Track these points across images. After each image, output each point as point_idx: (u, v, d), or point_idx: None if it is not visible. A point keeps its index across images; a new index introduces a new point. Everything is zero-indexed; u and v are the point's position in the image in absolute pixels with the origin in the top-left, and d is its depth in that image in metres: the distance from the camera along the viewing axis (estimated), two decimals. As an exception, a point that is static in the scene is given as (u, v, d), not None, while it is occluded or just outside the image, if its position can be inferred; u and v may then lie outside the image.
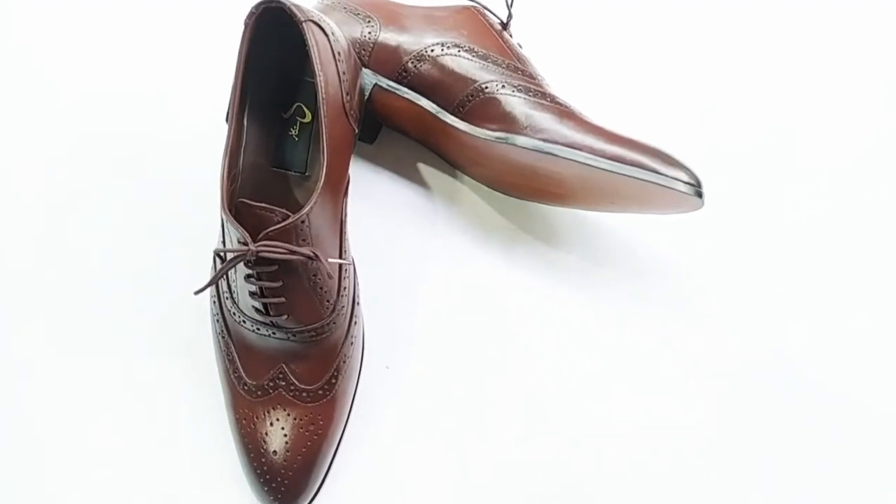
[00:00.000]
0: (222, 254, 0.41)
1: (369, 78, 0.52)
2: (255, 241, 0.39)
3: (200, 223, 0.51)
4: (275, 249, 0.39)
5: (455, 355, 0.51)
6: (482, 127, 0.49)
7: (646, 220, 0.57)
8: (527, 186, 0.53)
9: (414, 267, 0.55)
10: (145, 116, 0.60)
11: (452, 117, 0.50)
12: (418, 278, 0.54)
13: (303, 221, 0.40)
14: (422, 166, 0.59)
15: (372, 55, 0.52)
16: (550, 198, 0.54)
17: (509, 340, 0.52)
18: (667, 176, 0.46)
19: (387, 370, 0.51)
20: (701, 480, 0.47)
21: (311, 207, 0.40)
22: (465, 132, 0.49)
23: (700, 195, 0.46)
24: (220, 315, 0.46)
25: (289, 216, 0.40)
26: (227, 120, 0.45)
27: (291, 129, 0.48)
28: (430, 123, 0.52)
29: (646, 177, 0.46)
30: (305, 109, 0.49)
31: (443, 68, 0.51)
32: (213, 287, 0.47)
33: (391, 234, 0.55)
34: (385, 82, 0.52)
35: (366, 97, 0.52)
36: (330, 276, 0.41)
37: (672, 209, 0.49)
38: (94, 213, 0.55)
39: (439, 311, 0.53)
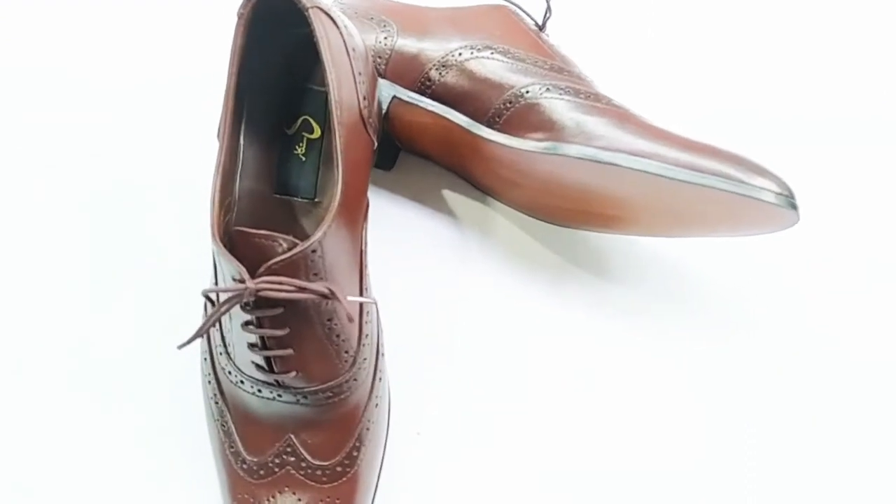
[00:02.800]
0: (213, 295, 0.33)
1: (387, 90, 0.44)
2: (254, 276, 0.31)
3: (187, 260, 0.42)
4: (279, 287, 0.30)
5: (499, 416, 0.42)
6: (524, 138, 0.41)
7: (710, 249, 0.49)
8: (575, 210, 0.45)
9: (445, 310, 0.46)
10: (114, 133, 0.52)
11: (487, 129, 0.42)
12: (451, 324, 0.45)
13: (314, 251, 0.31)
14: (448, 193, 0.51)
15: (389, 64, 0.45)
16: (603, 221, 0.46)
17: (562, 394, 0.43)
18: (753, 186, 0.38)
19: (418, 437, 0.41)
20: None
21: (325, 233, 0.32)
22: (503, 145, 0.41)
23: (794, 206, 0.38)
24: (212, 375, 0.37)
25: (296, 244, 0.31)
26: (218, 136, 0.37)
27: (297, 148, 0.40)
28: (460, 140, 0.44)
29: (727, 187, 0.37)
30: (313, 123, 0.41)
31: (472, 74, 0.43)
32: (204, 340, 0.38)
33: (416, 272, 0.47)
34: (406, 94, 0.44)
35: (383, 112, 0.44)
36: (350, 320, 0.32)
37: (757, 228, 0.41)
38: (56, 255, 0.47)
39: (478, 363, 0.44)
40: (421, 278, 0.47)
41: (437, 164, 0.50)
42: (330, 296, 0.31)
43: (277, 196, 0.40)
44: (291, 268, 0.31)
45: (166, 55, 0.56)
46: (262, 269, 0.31)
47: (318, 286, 0.31)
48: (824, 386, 0.44)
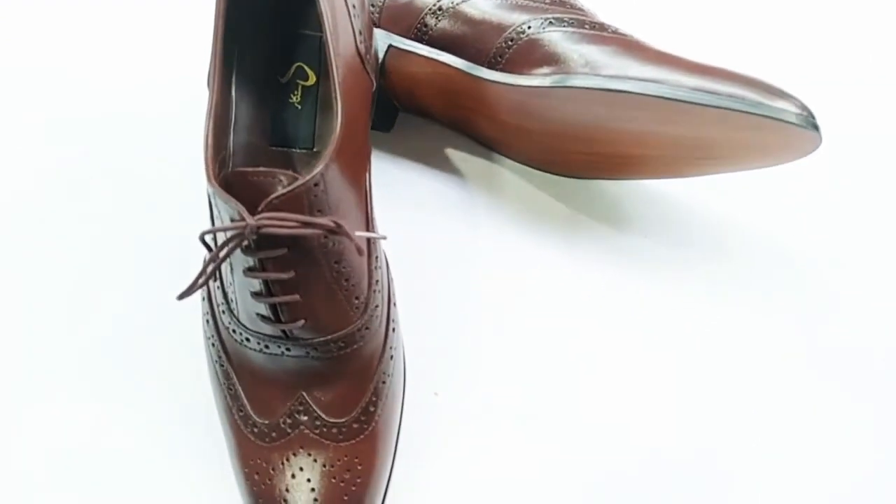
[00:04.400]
0: (212, 242, 0.31)
1: (383, 39, 0.43)
2: (254, 215, 0.29)
3: (180, 226, 0.40)
4: (282, 222, 0.28)
5: (519, 373, 0.40)
6: (529, 75, 0.39)
7: (733, 192, 0.47)
8: (585, 154, 0.43)
9: (456, 270, 0.44)
10: (113, 131, 0.50)
11: (489, 71, 0.41)
12: (463, 283, 0.43)
13: (316, 184, 0.29)
14: (451, 152, 0.49)
15: (383, 13, 0.43)
16: (614, 166, 0.44)
17: (583, 348, 0.41)
18: (773, 106, 0.36)
19: (436, 397, 0.39)
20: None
21: (327, 165, 0.30)
22: (507, 85, 0.40)
23: (816, 127, 0.36)
24: (215, 336, 0.35)
25: (297, 179, 0.29)
26: (208, 84, 0.35)
27: (292, 96, 0.39)
28: (462, 88, 0.42)
29: (746, 108, 0.36)
30: (308, 70, 0.39)
31: (469, 16, 0.41)
32: (205, 301, 0.36)
33: (424, 233, 0.45)
34: (402, 42, 0.43)
35: (379, 63, 0.43)
36: (360, 253, 0.30)
37: (776, 156, 0.39)
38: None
39: (493, 320, 0.42)
40: (429, 239, 0.45)
41: (438, 123, 0.49)
42: (337, 230, 0.29)
43: (274, 148, 0.38)
44: (294, 203, 0.29)
45: (166, 55, 0.54)
46: (262, 206, 0.29)
47: (323, 220, 0.29)
48: (851, 336, 0.42)
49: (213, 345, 0.36)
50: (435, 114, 0.47)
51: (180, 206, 0.44)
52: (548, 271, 0.44)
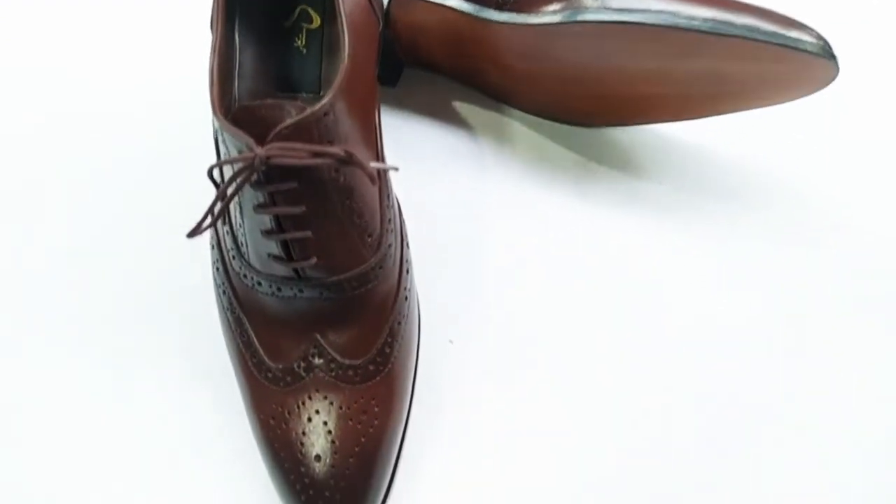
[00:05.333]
0: (220, 171, 0.30)
1: (387, -14, 0.42)
2: (263, 146, 0.28)
3: (186, 184, 0.40)
4: (292, 152, 0.28)
5: (534, 320, 0.39)
6: (538, 13, 0.38)
7: (748, 137, 0.46)
8: (597, 97, 0.42)
9: (467, 221, 0.43)
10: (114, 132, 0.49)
11: (497, 13, 0.40)
12: (475, 234, 0.43)
13: (326, 114, 0.29)
14: (459, 105, 0.48)
15: (386, -41, 0.42)
16: (629, 110, 0.43)
17: (597, 295, 0.40)
18: (789, 36, 0.35)
19: (451, 345, 0.39)
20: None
21: (336, 95, 0.29)
22: (516, 25, 0.39)
23: (832, 56, 0.35)
24: (226, 284, 0.35)
25: (305, 109, 0.29)
26: (211, 27, 0.34)
27: (297, 40, 0.38)
28: (469, 34, 0.42)
29: (761, 37, 0.35)
30: (312, 13, 0.38)
31: (476, -41, 0.41)
32: (215, 248, 0.36)
33: (434, 187, 0.44)
34: (406, -13, 0.42)
35: (384, 8, 0.42)
36: (373, 181, 0.30)
37: (793, 89, 0.38)
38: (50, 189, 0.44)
39: (507, 270, 0.41)
40: (439, 191, 0.44)
41: (444, 76, 0.48)
42: (348, 159, 0.28)
43: (280, 94, 0.38)
44: (303, 133, 0.28)
45: (166, 54, 0.53)
46: (271, 136, 0.28)
47: (334, 149, 0.28)
48: (870, 275, 0.41)
49: (223, 293, 0.35)
50: (441, 65, 0.46)
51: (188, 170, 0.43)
52: (561, 220, 0.43)
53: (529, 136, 0.47)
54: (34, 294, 0.39)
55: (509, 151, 0.46)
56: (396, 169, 0.29)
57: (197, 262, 0.38)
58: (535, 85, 0.43)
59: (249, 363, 0.34)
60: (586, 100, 0.43)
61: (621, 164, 0.45)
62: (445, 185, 0.44)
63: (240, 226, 0.32)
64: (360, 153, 0.31)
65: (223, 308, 0.35)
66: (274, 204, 0.29)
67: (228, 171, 0.29)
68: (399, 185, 0.40)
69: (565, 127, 0.47)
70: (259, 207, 0.30)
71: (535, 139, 0.47)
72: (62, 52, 0.52)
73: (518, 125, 0.47)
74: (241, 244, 0.33)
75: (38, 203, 0.43)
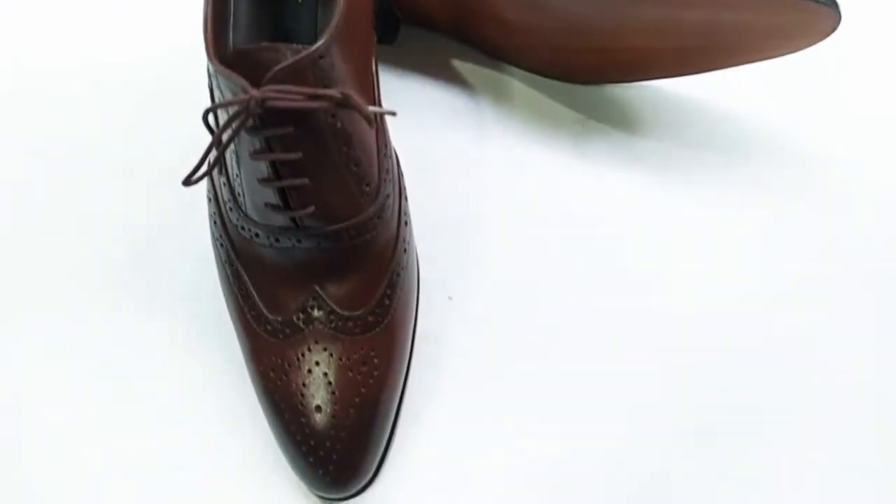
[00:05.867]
0: (214, 115, 0.29)
1: (383, -61, 0.41)
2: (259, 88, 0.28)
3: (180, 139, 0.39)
4: (288, 95, 0.27)
5: (533, 277, 0.39)
6: (537, -37, 0.38)
7: (747, 94, 0.46)
8: (597, 53, 0.42)
9: (466, 179, 0.43)
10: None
11: (495, -36, 0.39)
12: (473, 191, 0.42)
13: (321, 56, 0.28)
14: (458, 63, 0.48)
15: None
16: (628, 65, 0.42)
17: (597, 252, 0.40)
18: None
19: (450, 301, 0.38)
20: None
21: (332, 36, 0.28)
22: (515, -24, 0.38)
23: (834, 4, 0.35)
24: (223, 236, 0.34)
25: (300, 50, 0.28)
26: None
27: (292, -9, 0.37)
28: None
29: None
30: (307, -37, 0.37)
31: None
32: (212, 201, 0.35)
33: (432, 145, 0.44)
34: (403, -60, 0.41)
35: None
36: (371, 124, 0.29)
37: (795, 39, 0.38)
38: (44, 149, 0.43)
39: (506, 227, 0.41)
40: (439, 149, 0.44)
41: (442, 34, 0.47)
42: (345, 102, 0.28)
43: (276, 45, 0.37)
44: (299, 75, 0.28)
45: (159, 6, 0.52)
46: (267, 77, 0.27)
47: (331, 91, 0.28)
48: (869, 234, 0.41)
49: (221, 245, 0.35)
50: (439, 22, 0.46)
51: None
52: (560, 177, 0.43)
53: (528, 93, 0.46)
54: (29, 253, 0.39)
55: (508, 109, 0.46)
56: (394, 113, 0.29)
57: (194, 216, 0.38)
58: (535, 40, 0.43)
59: (248, 316, 0.33)
60: (586, 55, 0.42)
61: (620, 121, 0.45)
62: (444, 143, 0.44)
63: (236, 176, 0.32)
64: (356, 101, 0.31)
65: (221, 261, 0.35)
66: (270, 150, 0.29)
67: (224, 118, 0.29)
68: (398, 144, 0.39)
69: (564, 85, 0.46)
70: (255, 154, 0.29)
71: (534, 97, 0.46)
72: None
73: (517, 83, 0.47)
74: (239, 195, 0.33)
75: (30, 157, 0.43)
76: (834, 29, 0.36)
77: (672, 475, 0.33)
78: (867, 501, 0.33)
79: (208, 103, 0.33)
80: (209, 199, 0.36)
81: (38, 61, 0.47)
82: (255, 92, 0.27)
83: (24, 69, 0.47)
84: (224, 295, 0.35)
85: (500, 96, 0.46)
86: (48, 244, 0.39)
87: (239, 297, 0.34)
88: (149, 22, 0.49)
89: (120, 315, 0.37)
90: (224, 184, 0.33)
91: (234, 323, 0.34)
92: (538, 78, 0.46)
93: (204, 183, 0.37)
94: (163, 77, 0.45)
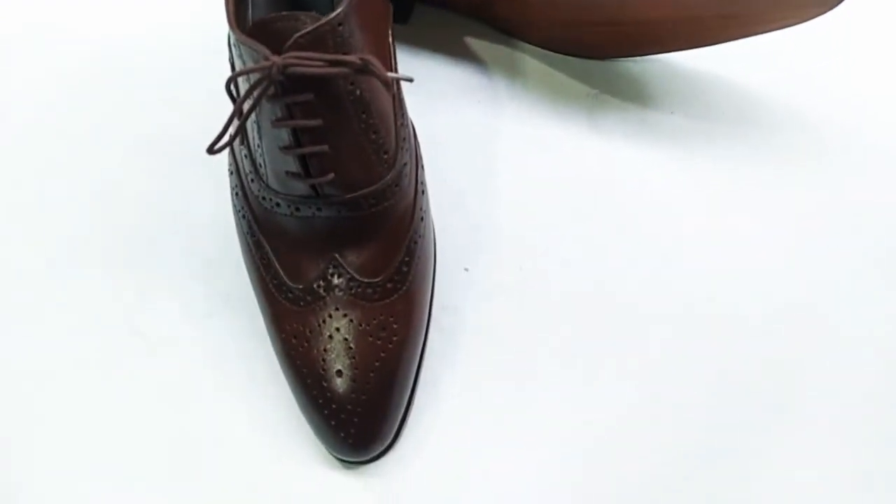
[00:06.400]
0: (236, 84, 0.30)
1: (396, -84, 0.42)
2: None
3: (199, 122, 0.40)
4: (308, 61, 0.28)
5: (549, 248, 0.40)
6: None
7: (755, 66, 0.46)
8: (611, 26, 0.42)
9: (482, 153, 0.43)
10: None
11: (508, -62, 0.40)
12: (489, 165, 0.43)
13: (340, 24, 0.29)
14: (471, 41, 0.48)
15: None
16: (640, 38, 0.43)
17: (611, 223, 0.40)
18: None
19: (466, 272, 0.39)
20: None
21: (349, 4, 0.29)
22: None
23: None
24: (245, 207, 0.35)
25: (320, 18, 0.29)
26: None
27: (309, -34, 0.38)
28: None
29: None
30: (324, -62, 0.38)
31: None
32: (233, 174, 0.36)
33: (448, 121, 0.44)
34: (417, -83, 0.42)
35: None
36: (389, 88, 0.30)
37: (802, 9, 0.38)
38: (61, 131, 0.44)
39: (520, 199, 0.41)
40: (454, 125, 0.44)
41: (455, 12, 0.48)
42: (364, 67, 0.28)
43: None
44: (319, 43, 0.28)
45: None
46: (287, 45, 0.28)
47: (351, 57, 0.28)
48: (877, 203, 0.41)
49: (243, 217, 0.35)
50: (452, 1, 0.46)
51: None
52: (573, 150, 0.43)
53: (541, 69, 0.47)
54: (54, 225, 0.40)
55: (521, 85, 0.46)
56: (411, 79, 0.30)
57: (216, 189, 0.39)
58: (548, 15, 0.43)
59: (270, 285, 0.34)
60: (598, 28, 0.43)
61: (632, 94, 0.45)
62: (459, 118, 0.45)
63: (258, 146, 0.33)
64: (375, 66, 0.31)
65: (243, 232, 0.36)
66: (291, 117, 0.30)
67: (245, 88, 0.29)
68: (414, 119, 0.40)
69: (576, 60, 0.47)
70: (277, 121, 0.30)
71: (547, 72, 0.47)
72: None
73: (529, 59, 0.47)
74: (260, 165, 0.33)
75: (51, 129, 0.44)
76: (840, 1, 0.37)
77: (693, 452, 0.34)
78: (864, 498, 0.33)
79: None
80: (230, 172, 0.36)
81: (59, 34, 0.48)
82: (276, 59, 0.28)
83: (46, 42, 0.48)
84: (246, 265, 0.36)
85: (513, 72, 0.47)
86: (70, 219, 0.40)
87: (261, 266, 0.35)
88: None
89: (145, 288, 0.38)
90: (245, 156, 0.34)
91: (256, 292, 0.35)
92: (550, 54, 0.47)
93: (225, 157, 0.38)
94: (183, 50, 0.46)
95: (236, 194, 0.36)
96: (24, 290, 0.38)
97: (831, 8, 0.38)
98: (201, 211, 0.39)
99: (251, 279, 0.36)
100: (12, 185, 0.42)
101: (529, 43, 0.47)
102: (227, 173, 0.37)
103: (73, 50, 0.47)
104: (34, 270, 0.39)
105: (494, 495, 0.33)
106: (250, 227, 0.35)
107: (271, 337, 0.34)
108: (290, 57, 0.28)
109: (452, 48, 0.48)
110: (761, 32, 0.40)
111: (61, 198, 0.41)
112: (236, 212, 0.36)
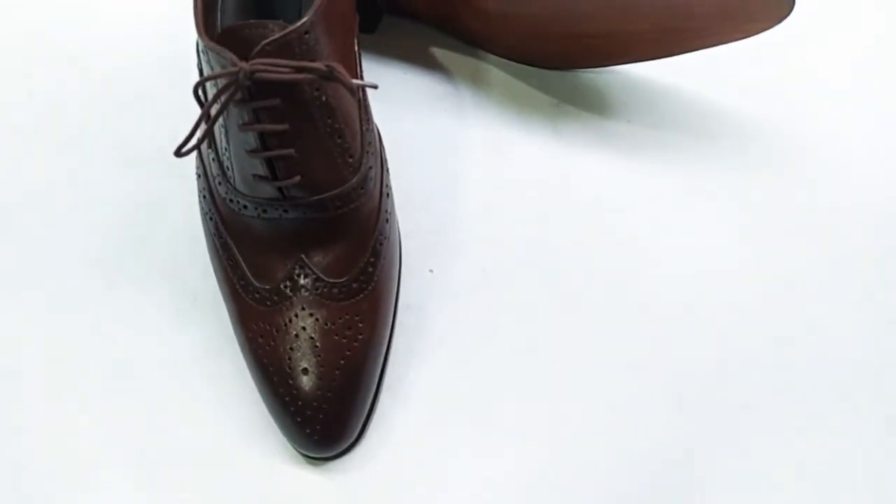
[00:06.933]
0: (203, 89, 0.31)
1: (364, -70, 0.43)
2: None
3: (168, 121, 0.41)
4: (275, 67, 0.29)
5: (511, 251, 0.41)
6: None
7: (711, 78, 0.48)
8: (571, 38, 0.44)
9: (445, 159, 0.45)
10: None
11: (472, -47, 0.41)
12: (454, 171, 0.44)
13: (307, 32, 0.30)
14: (437, 51, 0.49)
15: None
16: (600, 51, 0.44)
17: (571, 227, 0.42)
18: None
19: (431, 274, 0.40)
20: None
21: (317, 12, 0.30)
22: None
23: (790, -11, 0.37)
24: (212, 209, 0.36)
25: (287, 27, 0.30)
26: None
27: (277, -24, 0.39)
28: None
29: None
30: (292, -51, 0.39)
31: None
32: (201, 177, 0.37)
33: (413, 128, 0.46)
34: (384, -69, 0.43)
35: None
36: (353, 94, 0.31)
37: (754, 23, 0.40)
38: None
39: (484, 204, 0.43)
40: (420, 132, 0.45)
41: (422, 23, 0.49)
42: (329, 74, 0.29)
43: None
44: (285, 50, 0.29)
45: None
46: (255, 51, 0.29)
47: (317, 64, 0.29)
48: (836, 208, 0.43)
49: (210, 219, 0.36)
50: (419, 11, 0.48)
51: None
52: (536, 157, 0.45)
53: (505, 79, 0.48)
54: (25, 225, 0.40)
55: (486, 94, 0.48)
56: (375, 86, 0.31)
57: (183, 192, 0.39)
58: (510, 28, 0.45)
59: (237, 285, 0.35)
60: (558, 41, 0.44)
61: (593, 104, 0.47)
62: (425, 125, 0.46)
63: (225, 150, 0.34)
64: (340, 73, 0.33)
65: (210, 234, 0.36)
66: (258, 121, 0.31)
67: (213, 92, 0.30)
68: (381, 127, 0.41)
69: (539, 70, 0.48)
70: (244, 126, 0.31)
71: (511, 82, 0.48)
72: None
73: (494, 69, 0.49)
74: (227, 168, 0.34)
75: (19, 133, 0.44)
76: (788, 13, 0.39)
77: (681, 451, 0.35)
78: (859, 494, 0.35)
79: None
80: (198, 175, 0.37)
81: (28, 38, 0.49)
82: (244, 65, 0.29)
83: (13, 45, 0.48)
84: (213, 267, 0.37)
85: (478, 81, 0.48)
86: (40, 221, 0.41)
87: (228, 267, 0.35)
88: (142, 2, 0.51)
89: (113, 289, 0.38)
90: (213, 159, 0.35)
91: (223, 292, 0.36)
92: (514, 64, 0.48)
93: (192, 160, 0.38)
94: (149, 56, 0.47)
95: (203, 197, 0.37)
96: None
97: (778, 23, 0.40)
98: (170, 214, 0.40)
99: (218, 280, 0.36)
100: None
101: (494, 54, 0.49)
102: (194, 177, 0.38)
103: (48, 55, 0.48)
104: (4, 269, 0.39)
105: (456, 490, 0.34)
106: (217, 228, 0.36)
107: (238, 336, 0.35)
108: (257, 63, 0.29)
109: (419, 58, 0.49)
110: (713, 45, 0.42)
111: (34, 198, 0.41)
112: (203, 214, 0.37)
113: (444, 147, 0.45)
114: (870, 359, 0.38)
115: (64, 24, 0.50)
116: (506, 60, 0.49)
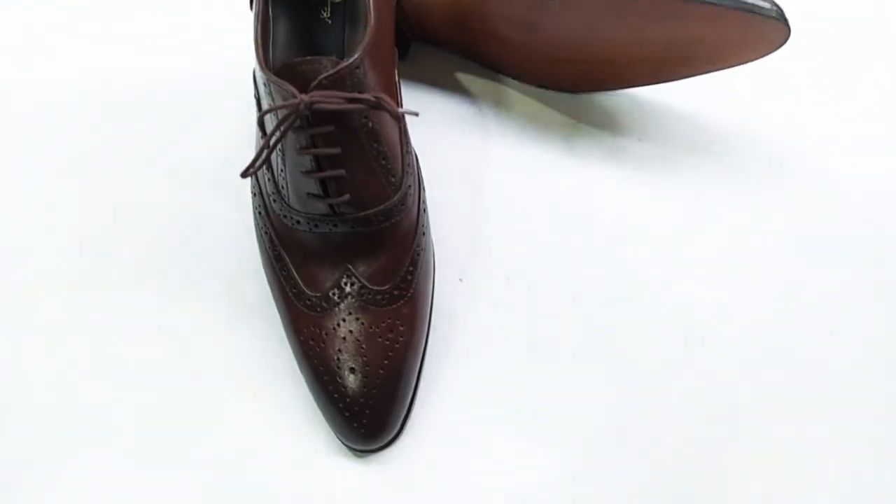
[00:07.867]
0: (268, 118, 0.35)
1: (395, -32, 0.47)
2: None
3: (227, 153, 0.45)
4: (331, 98, 0.33)
5: (533, 258, 0.45)
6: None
7: (714, 97, 0.52)
8: (584, 64, 0.48)
9: (471, 176, 0.48)
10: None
11: (495, -12, 0.45)
12: (480, 186, 0.48)
13: (357, 67, 0.34)
14: (461, 76, 0.53)
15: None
16: (611, 75, 0.48)
17: (589, 239, 0.45)
18: (754, 4, 0.41)
19: (461, 282, 0.44)
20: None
21: (365, 49, 0.34)
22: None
23: (785, 20, 0.41)
24: (267, 225, 0.40)
25: (339, 63, 0.34)
26: (250, 7, 0.39)
27: (322, 13, 0.43)
28: (469, 8, 0.47)
29: (731, 4, 0.41)
30: (335, -12, 0.43)
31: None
32: (256, 195, 0.41)
33: (439, 147, 0.49)
34: (413, -30, 0.47)
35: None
36: (397, 120, 0.34)
37: (751, 50, 0.44)
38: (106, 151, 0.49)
39: (508, 217, 0.46)
40: (447, 151, 0.49)
41: (447, 50, 0.53)
42: (377, 104, 0.33)
43: (310, 60, 0.43)
44: (339, 83, 0.33)
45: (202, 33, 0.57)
46: (313, 85, 0.33)
47: (366, 95, 0.33)
48: (834, 221, 0.47)
49: (265, 233, 0.40)
50: (445, 40, 0.52)
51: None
52: (553, 173, 0.48)
53: (524, 101, 0.52)
54: (99, 243, 0.44)
55: (506, 115, 0.51)
56: (416, 114, 0.35)
57: (238, 211, 0.43)
58: (529, 55, 0.49)
59: (290, 293, 0.38)
60: (573, 66, 0.48)
61: (604, 123, 0.51)
62: (452, 145, 0.50)
63: (281, 171, 0.37)
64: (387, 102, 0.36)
65: (265, 247, 0.40)
66: (314, 146, 0.34)
67: (273, 122, 0.34)
68: (416, 146, 0.45)
69: (555, 93, 0.52)
70: (301, 149, 0.35)
71: (529, 104, 0.52)
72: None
73: (514, 93, 0.53)
74: (282, 187, 0.38)
75: (94, 158, 0.48)
76: (785, 40, 0.42)
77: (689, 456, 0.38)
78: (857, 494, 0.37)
79: (246, 112, 0.38)
80: (253, 194, 0.41)
81: (103, 71, 0.53)
82: (304, 97, 0.33)
83: (91, 77, 0.53)
84: (267, 277, 0.40)
85: (499, 104, 0.52)
86: (110, 238, 0.44)
87: (281, 277, 0.39)
88: (199, 39, 0.55)
89: (176, 300, 0.42)
90: (269, 179, 0.39)
91: (277, 301, 0.39)
92: (532, 88, 0.52)
93: (245, 183, 0.42)
94: (206, 87, 0.51)
95: (259, 213, 0.40)
96: (58, 290, 0.42)
97: (775, 49, 0.43)
98: (227, 229, 0.44)
99: (272, 288, 0.40)
100: (59, 206, 0.46)
101: (514, 78, 0.52)
102: (249, 196, 0.42)
103: (114, 83, 0.52)
104: (74, 286, 0.43)
105: (488, 479, 0.37)
106: (272, 241, 0.39)
107: (290, 339, 0.38)
108: (315, 95, 0.33)
109: (446, 82, 0.53)
110: (718, 69, 0.46)
111: (100, 221, 0.45)
112: (258, 229, 0.40)
113: (471, 165, 0.49)
114: (875, 367, 0.41)
115: (137, 56, 0.54)
116: (524, 84, 0.53)
